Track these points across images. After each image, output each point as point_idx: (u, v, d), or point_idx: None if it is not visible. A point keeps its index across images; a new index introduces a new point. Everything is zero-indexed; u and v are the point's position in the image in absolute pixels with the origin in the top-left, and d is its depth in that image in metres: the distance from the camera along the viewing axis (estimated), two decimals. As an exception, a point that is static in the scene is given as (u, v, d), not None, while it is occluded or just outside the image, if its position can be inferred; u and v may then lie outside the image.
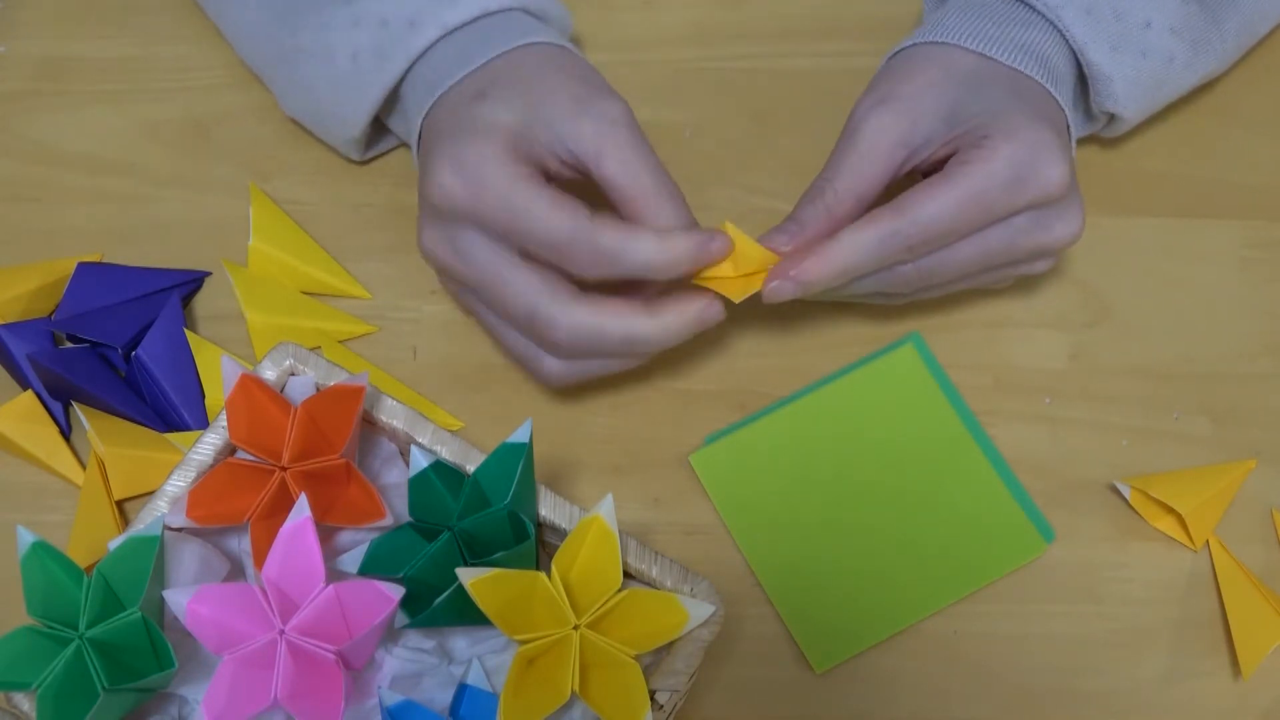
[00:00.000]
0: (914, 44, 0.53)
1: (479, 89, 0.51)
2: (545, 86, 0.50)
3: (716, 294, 0.50)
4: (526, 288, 0.49)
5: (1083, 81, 0.55)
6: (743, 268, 0.50)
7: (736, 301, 0.50)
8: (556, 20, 0.57)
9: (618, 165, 0.49)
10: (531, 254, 0.49)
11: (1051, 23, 0.53)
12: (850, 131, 0.51)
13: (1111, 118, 0.57)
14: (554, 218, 0.48)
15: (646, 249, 0.48)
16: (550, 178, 0.51)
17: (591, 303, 0.49)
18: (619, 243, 0.48)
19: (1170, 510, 0.55)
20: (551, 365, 0.51)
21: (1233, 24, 0.56)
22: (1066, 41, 0.54)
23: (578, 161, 0.50)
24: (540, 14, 0.56)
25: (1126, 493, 0.55)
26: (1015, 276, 0.54)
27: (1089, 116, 0.57)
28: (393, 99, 0.56)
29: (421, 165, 0.51)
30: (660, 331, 0.49)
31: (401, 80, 0.54)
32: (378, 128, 0.59)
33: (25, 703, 0.46)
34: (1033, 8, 0.53)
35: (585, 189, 0.51)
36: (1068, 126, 0.53)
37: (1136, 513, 0.55)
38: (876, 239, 0.49)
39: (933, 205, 0.48)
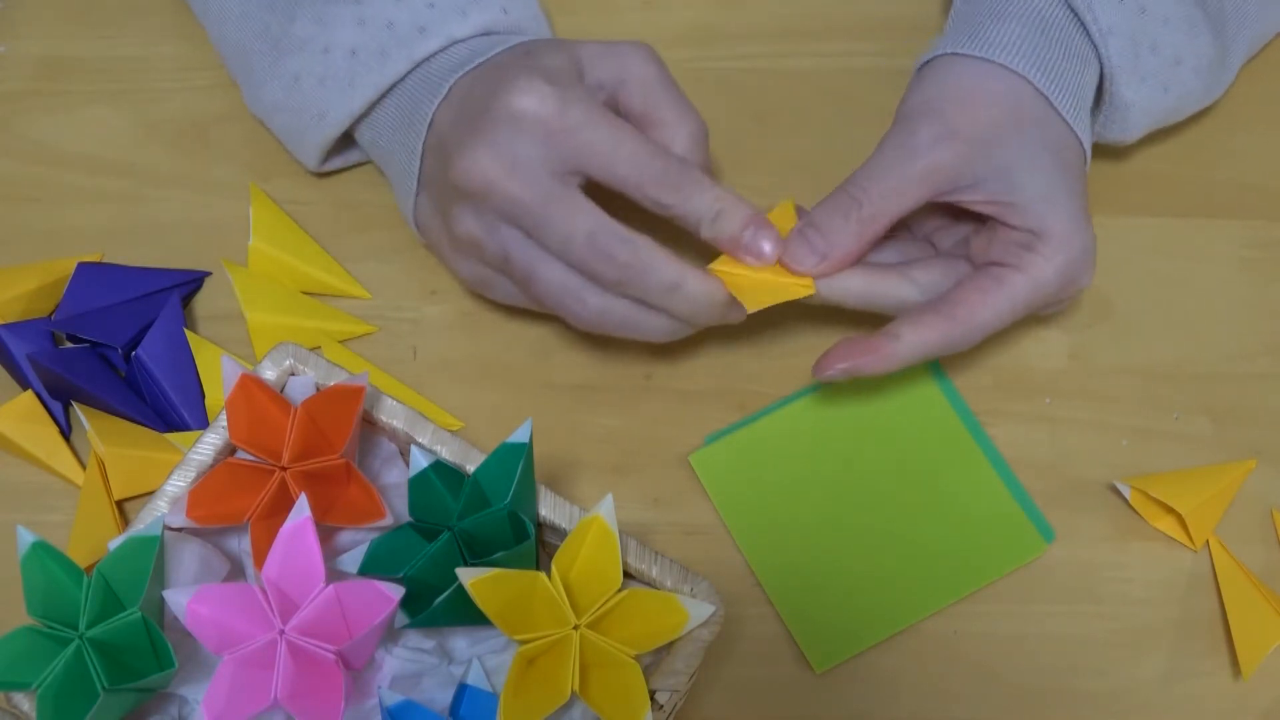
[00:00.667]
0: (979, 57, 0.51)
1: (523, 49, 0.51)
2: (576, 45, 0.52)
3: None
4: (591, 207, 0.49)
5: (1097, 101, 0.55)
6: (768, 274, 0.50)
7: (750, 311, 0.50)
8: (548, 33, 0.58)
9: (640, 93, 0.51)
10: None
11: (1095, 47, 0.53)
12: (906, 152, 0.50)
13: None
14: (645, 148, 0.49)
15: (721, 198, 0.49)
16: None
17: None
18: (704, 185, 0.49)
19: (1170, 510, 0.55)
20: (596, 300, 0.50)
21: (1235, 58, 0.57)
22: (1100, 67, 0.53)
23: (611, 99, 0.51)
24: (534, 34, 0.56)
25: (1126, 493, 0.55)
26: None
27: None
28: (373, 104, 0.55)
29: (475, 102, 0.50)
30: (703, 292, 0.49)
31: (393, 85, 0.54)
32: (343, 140, 0.58)
33: (25, 703, 0.46)
34: (1084, 26, 0.53)
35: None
36: (1085, 160, 0.54)
37: (1136, 513, 0.55)
38: (934, 345, 0.51)
39: (988, 313, 0.50)
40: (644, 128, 0.51)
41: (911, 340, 0.50)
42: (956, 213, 0.54)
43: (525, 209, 0.49)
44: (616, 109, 0.52)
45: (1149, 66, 0.54)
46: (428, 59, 0.54)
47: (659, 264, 0.48)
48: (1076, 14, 0.53)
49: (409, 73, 0.54)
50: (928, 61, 0.53)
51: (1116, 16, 0.52)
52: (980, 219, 0.53)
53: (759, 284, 0.50)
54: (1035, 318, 0.58)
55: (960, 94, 0.51)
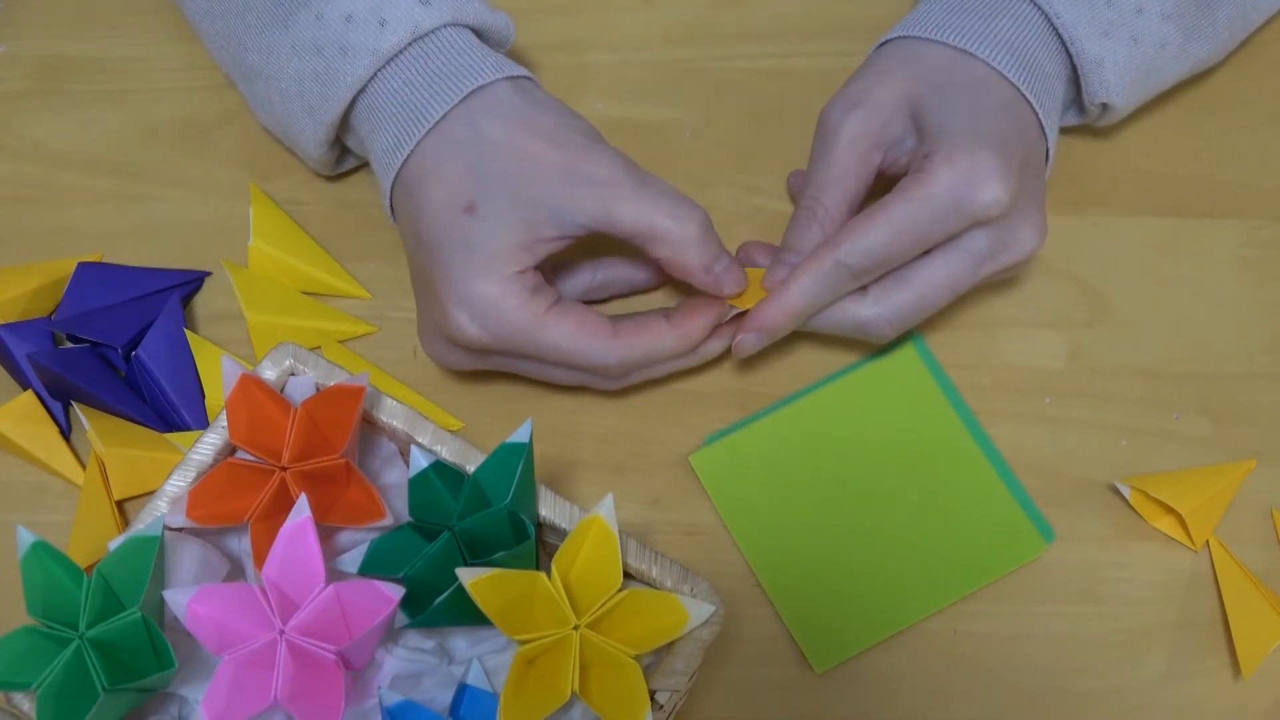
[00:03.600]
0: (896, 38, 0.54)
1: (464, 197, 0.49)
2: (530, 169, 0.49)
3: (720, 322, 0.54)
4: (562, 334, 0.51)
5: (1074, 75, 0.55)
6: (756, 295, 0.53)
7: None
8: (498, 33, 0.55)
9: (630, 219, 0.50)
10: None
11: (1042, 10, 0.53)
12: (825, 140, 0.53)
13: (1104, 107, 0.57)
14: (582, 346, 0.50)
15: (669, 344, 0.52)
16: (568, 248, 0.51)
17: (629, 328, 0.52)
18: (645, 351, 0.51)
19: (1170, 510, 0.55)
20: (612, 384, 0.54)
21: (1225, 10, 0.56)
22: (1059, 35, 0.53)
23: (588, 230, 0.50)
24: (480, 27, 0.54)
25: (1126, 493, 0.55)
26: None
27: (1080, 109, 0.57)
28: (348, 124, 0.54)
29: (432, 286, 0.50)
30: (699, 358, 0.54)
31: (352, 109, 0.53)
32: (344, 146, 0.58)
33: (25, 703, 0.46)
34: None
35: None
36: (1042, 129, 0.53)
37: (1136, 513, 0.55)
38: (820, 274, 0.51)
39: (870, 236, 0.50)
40: (651, 246, 0.50)
41: (799, 280, 0.51)
42: None
43: (500, 354, 0.52)
44: (602, 229, 0.50)
45: (1108, 19, 0.53)
46: (369, 82, 0.52)
47: (646, 351, 0.52)
48: None
49: (357, 98, 0.53)
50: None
51: None
52: None
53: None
54: (1035, 318, 0.58)
55: (867, 71, 0.53)
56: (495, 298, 0.49)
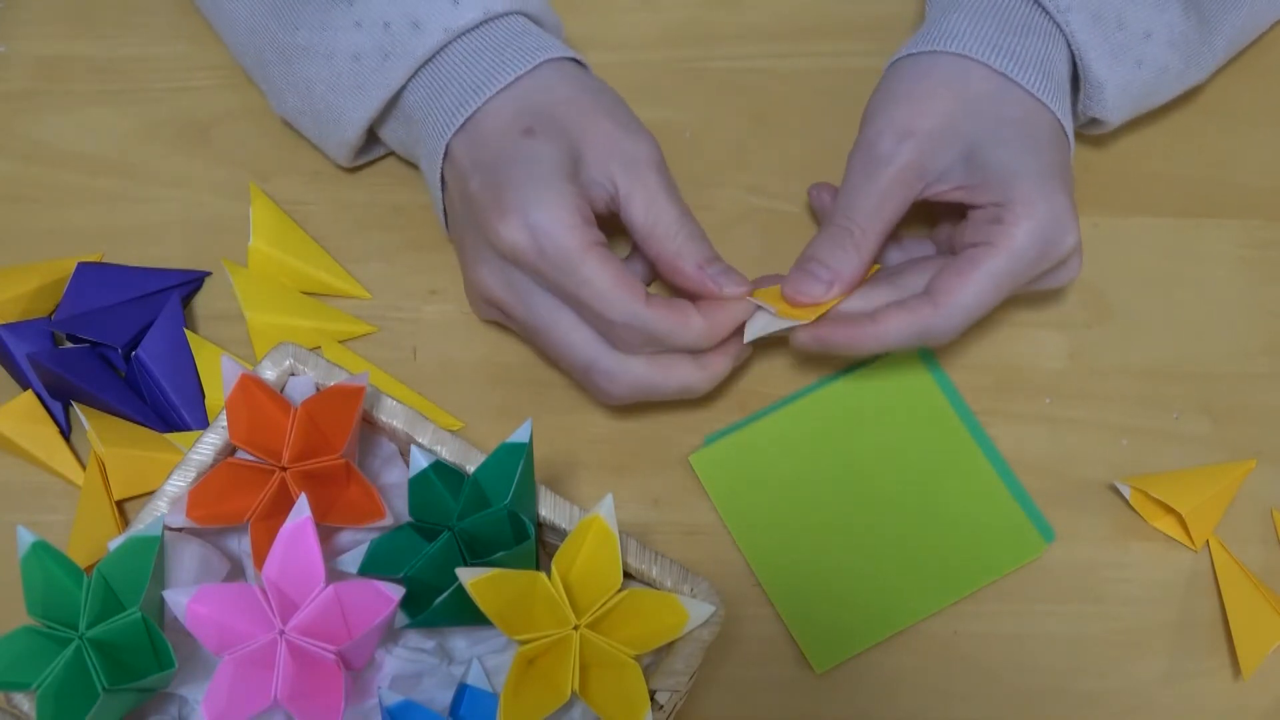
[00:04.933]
0: (927, 51, 0.53)
1: (525, 122, 0.51)
2: (584, 123, 0.52)
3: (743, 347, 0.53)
4: (586, 339, 0.51)
5: (1072, 81, 0.55)
6: (770, 300, 0.52)
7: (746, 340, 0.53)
8: (552, 26, 0.57)
9: (643, 209, 0.51)
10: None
11: (1059, 26, 0.53)
12: (870, 164, 0.52)
13: (1092, 120, 0.57)
14: (614, 297, 0.49)
15: (694, 332, 0.51)
16: (596, 213, 0.52)
17: (650, 360, 0.51)
18: (669, 328, 0.50)
19: (1170, 510, 0.55)
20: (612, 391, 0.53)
21: (1223, 38, 0.57)
22: (1067, 44, 0.54)
23: (609, 198, 0.52)
24: (538, 18, 0.56)
25: (1126, 493, 0.55)
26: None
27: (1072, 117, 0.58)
28: (390, 106, 0.55)
29: (478, 201, 0.51)
30: (710, 381, 0.53)
31: (404, 86, 0.54)
32: (371, 134, 0.58)
33: (25, 703, 0.46)
34: (1042, 7, 0.53)
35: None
36: (1068, 140, 0.53)
37: (1136, 513, 0.55)
38: (913, 332, 0.50)
39: (966, 295, 0.50)
40: (649, 240, 0.51)
41: (891, 324, 0.50)
42: (944, 210, 0.54)
43: (528, 329, 0.52)
44: (616, 208, 0.52)
45: (1118, 42, 0.54)
46: (433, 56, 0.53)
47: (658, 384, 0.52)
48: None
49: (417, 72, 0.53)
50: (891, 66, 0.54)
51: None
52: (961, 211, 0.53)
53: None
54: (1035, 318, 0.58)
55: (909, 92, 0.52)
56: (551, 211, 0.49)
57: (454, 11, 0.53)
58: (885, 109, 0.52)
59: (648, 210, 0.51)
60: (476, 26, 0.53)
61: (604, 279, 0.49)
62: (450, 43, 0.53)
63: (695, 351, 0.52)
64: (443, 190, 0.54)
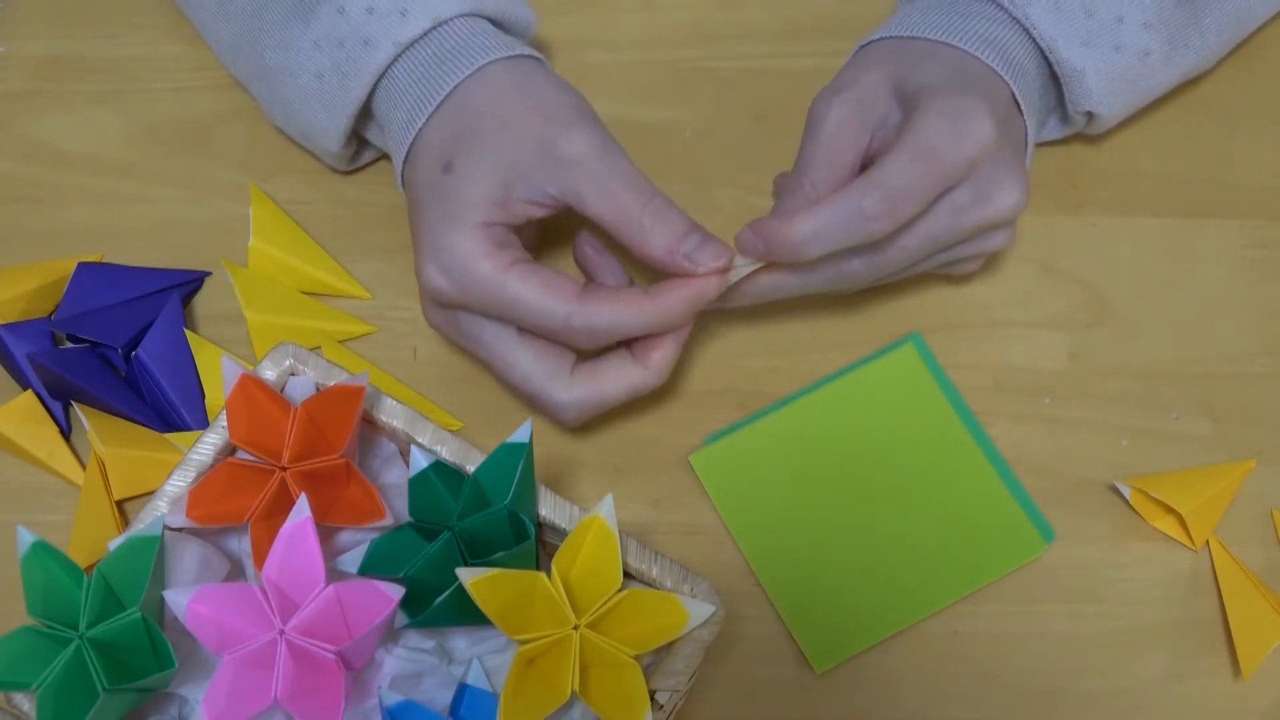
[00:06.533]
0: (878, 39, 0.54)
1: (444, 155, 0.51)
2: (509, 133, 0.50)
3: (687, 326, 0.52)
4: (525, 368, 0.51)
5: (1056, 83, 0.55)
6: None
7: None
8: (517, 23, 0.56)
9: (598, 199, 0.49)
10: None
11: (1018, 20, 0.53)
12: (812, 125, 0.52)
13: (1091, 115, 0.57)
14: (545, 304, 0.49)
15: (643, 316, 0.49)
16: (539, 217, 0.51)
17: (590, 376, 0.51)
18: (612, 317, 0.49)
19: (1170, 510, 0.55)
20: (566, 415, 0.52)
21: (1212, 19, 0.56)
22: (1035, 42, 0.54)
23: (558, 202, 0.50)
24: (499, 18, 0.55)
25: (1126, 493, 0.55)
26: (976, 257, 0.54)
27: (1065, 118, 0.57)
28: (365, 114, 0.55)
29: (413, 242, 0.51)
30: (657, 377, 0.52)
31: (371, 96, 0.54)
32: (361, 139, 0.58)
33: (25, 703, 0.46)
34: (1000, 5, 0.53)
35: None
36: (1019, 109, 0.53)
37: (1136, 513, 0.55)
38: (842, 215, 0.48)
39: (888, 170, 0.48)
40: (613, 229, 0.50)
41: (825, 208, 0.48)
42: None
43: (472, 354, 0.52)
44: (568, 206, 0.51)
45: (1088, 30, 0.54)
46: (387, 69, 0.53)
47: (604, 399, 0.51)
48: None
49: (376, 85, 0.53)
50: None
51: None
52: None
53: None
54: (1035, 317, 0.58)
55: (851, 65, 0.54)
56: (459, 247, 0.49)
57: (401, 25, 0.52)
58: (834, 82, 0.53)
59: (601, 203, 0.49)
60: (425, 35, 0.53)
61: (530, 293, 0.49)
62: (400, 54, 0.53)
63: (643, 343, 0.51)
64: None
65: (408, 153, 0.52)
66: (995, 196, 0.50)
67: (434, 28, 0.53)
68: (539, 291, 0.49)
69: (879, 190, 0.48)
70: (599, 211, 0.49)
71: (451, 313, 0.52)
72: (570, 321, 0.49)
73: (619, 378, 0.51)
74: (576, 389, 0.51)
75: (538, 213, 0.51)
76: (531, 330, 0.50)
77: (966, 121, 0.49)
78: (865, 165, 0.52)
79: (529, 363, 0.51)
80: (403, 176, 0.53)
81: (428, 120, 0.52)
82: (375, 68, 0.52)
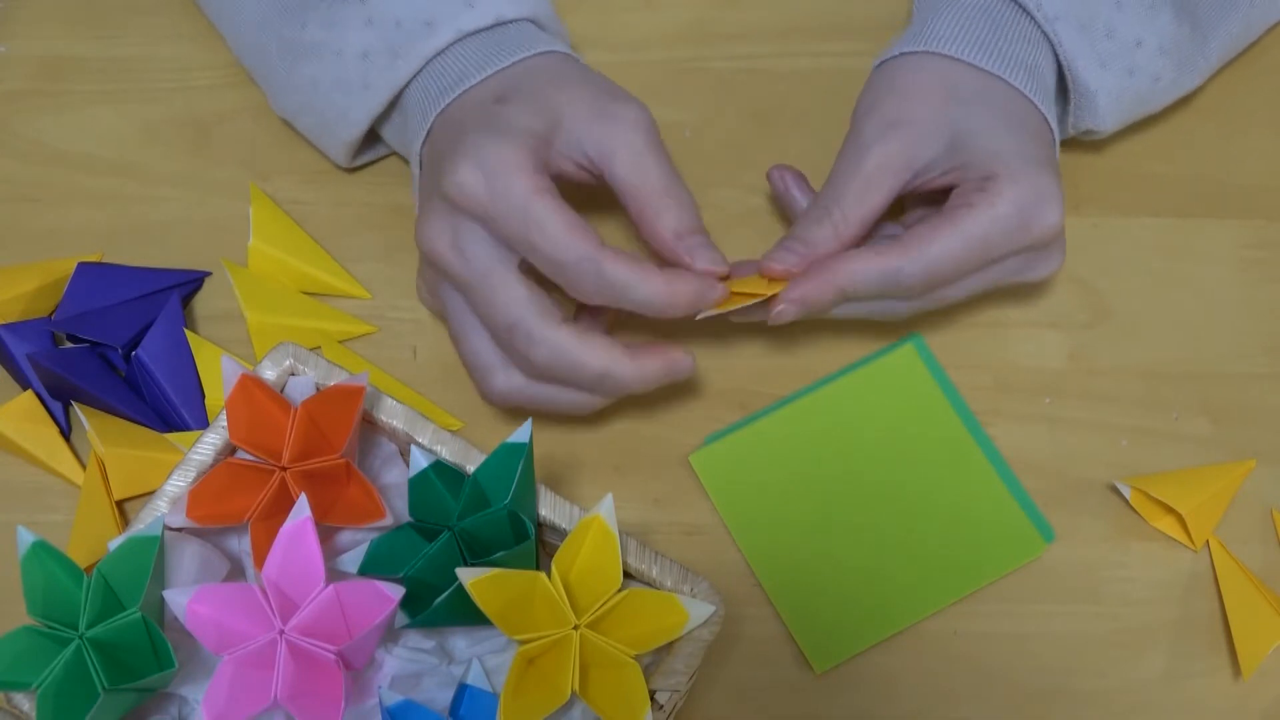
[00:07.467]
0: (913, 52, 0.53)
1: (499, 93, 0.52)
2: (564, 94, 0.51)
3: (686, 351, 0.52)
4: (518, 297, 0.49)
5: (1064, 96, 0.55)
6: (747, 288, 0.51)
7: (716, 311, 0.51)
8: (559, 34, 0.57)
9: (628, 167, 0.50)
10: (535, 269, 0.50)
11: (1045, 34, 0.53)
12: (856, 152, 0.52)
13: (1086, 130, 0.57)
14: (566, 239, 0.48)
15: (652, 287, 0.49)
16: (569, 182, 0.51)
17: (577, 331, 0.50)
18: (627, 275, 0.48)
19: (1170, 510, 0.55)
20: (504, 382, 0.51)
21: (1216, 45, 0.57)
22: (1054, 52, 0.54)
23: (592, 164, 0.51)
24: (545, 25, 0.56)
25: (1126, 493, 0.55)
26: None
27: (1062, 125, 0.57)
28: (392, 104, 0.55)
29: (440, 158, 0.51)
30: (636, 376, 0.50)
31: (408, 83, 0.54)
32: (370, 134, 0.58)
33: (25, 703, 0.46)
34: (1029, 14, 0.53)
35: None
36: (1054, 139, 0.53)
37: (1136, 513, 0.55)
38: (879, 273, 0.50)
39: (937, 246, 0.49)
40: (632, 200, 0.51)
41: (856, 267, 0.50)
42: (938, 202, 0.54)
43: (461, 283, 0.50)
44: (600, 176, 0.51)
45: (1107, 51, 0.54)
46: (440, 53, 0.53)
47: (582, 359, 0.49)
48: (1019, 2, 0.53)
49: (421, 69, 0.54)
50: (879, 66, 0.54)
51: (1062, 4, 0.53)
52: (937, 199, 0.53)
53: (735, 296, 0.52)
54: (1034, 318, 0.58)
55: (897, 87, 0.53)
56: (503, 153, 0.49)
57: (469, 14, 0.53)
58: (875, 105, 0.52)
59: (633, 167, 0.50)
60: (488, 28, 0.54)
61: (557, 220, 0.48)
62: (458, 41, 0.53)
63: (643, 346, 0.51)
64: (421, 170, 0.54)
65: (450, 104, 0.52)
66: (1040, 267, 0.53)
67: (495, 25, 0.54)
68: (565, 224, 0.48)
69: (922, 263, 0.49)
70: (626, 177, 0.50)
71: (457, 221, 0.50)
72: (583, 265, 0.48)
73: (602, 354, 0.50)
74: (561, 334, 0.49)
75: (567, 169, 0.51)
76: (538, 263, 0.49)
77: (1043, 210, 0.50)
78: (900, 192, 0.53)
79: (523, 295, 0.49)
80: (430, 130, 0.53)
81: (484, 79, 0.52)
82: (430, 50, 0.53)
